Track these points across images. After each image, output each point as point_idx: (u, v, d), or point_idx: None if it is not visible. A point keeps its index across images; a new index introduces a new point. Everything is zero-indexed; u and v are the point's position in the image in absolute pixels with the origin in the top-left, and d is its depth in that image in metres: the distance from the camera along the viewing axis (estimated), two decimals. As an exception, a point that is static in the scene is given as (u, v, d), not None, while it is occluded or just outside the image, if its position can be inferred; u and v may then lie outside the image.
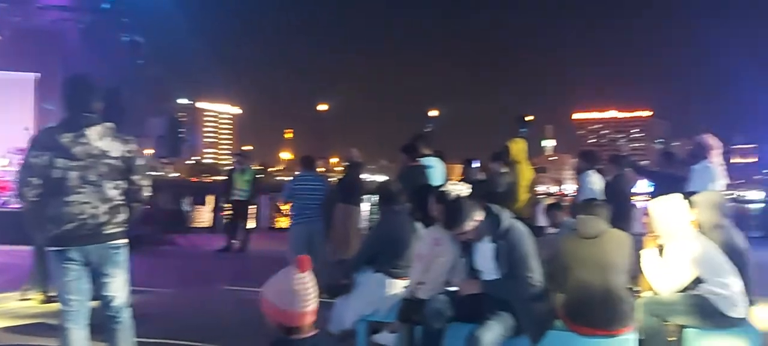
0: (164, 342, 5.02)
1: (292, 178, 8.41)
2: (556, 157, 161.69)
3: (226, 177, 11.55)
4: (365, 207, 9.98)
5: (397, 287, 4.69)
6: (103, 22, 12.15)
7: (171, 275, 8.42)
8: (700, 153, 6.22)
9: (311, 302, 2.34)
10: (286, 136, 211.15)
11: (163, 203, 15.96)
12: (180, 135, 12.36)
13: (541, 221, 7.33)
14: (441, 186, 5.12)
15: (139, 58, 11.56)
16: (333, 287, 4.93)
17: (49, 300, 6.15)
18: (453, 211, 4.06)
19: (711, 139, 6.24)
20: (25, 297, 6.28)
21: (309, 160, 7.97)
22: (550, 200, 9.16)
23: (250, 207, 11.45)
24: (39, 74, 13.79)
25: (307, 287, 2.34)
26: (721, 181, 6.13)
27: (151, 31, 12.31)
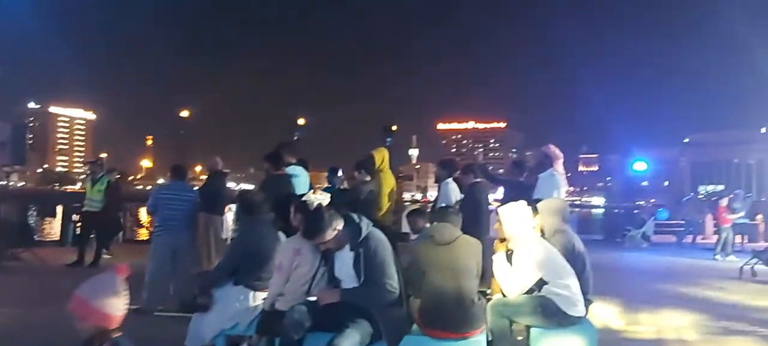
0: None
1: (157, 187, 8.02)
2: (419, 166, 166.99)
3: (80, 186, 10.82)
4: (229, 217, 9.74)
5: (258, 299, 4.63)
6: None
7: (19, 293, 7.81)
8: (546, 162, 6.66)
9: (124, 308, 2.56)
10: (147, 143, 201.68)
11: (7, 214, 14.66)
12: (26, 141, 11.42)
13: (406, 227, 7.52)
14: (303, 195, 5.12)
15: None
16: (187, 303, 4.76)
17: None
18: (313, 220, 4.08)
19: (555, 150, 6.71)
20: None
21: (179, 169, 7.63)
22: (414, 207, 9.43)
23: (104, 218, 10.78)
24: None
25: (124, 292, 2.57)
26: (564, 188, 6.61)
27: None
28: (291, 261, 4.34)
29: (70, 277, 9.45)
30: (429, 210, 7.98)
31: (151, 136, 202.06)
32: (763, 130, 34.46)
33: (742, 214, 14.55)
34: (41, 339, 5.58)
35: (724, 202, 14.33)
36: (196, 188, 8.38)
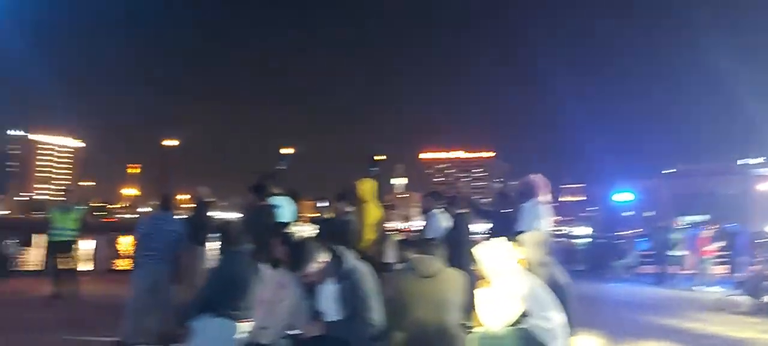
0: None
1: (142, 216, 7.94)
2: (407, 195, 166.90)
3: (47, 215, 10.66)
4: (212, 246, 9.69)
5: (238, 330, 4.58)
6: None
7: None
8: (529, 192, 6.70)
9: None
10: (131, 171, 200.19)
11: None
12: (6, 169, 11.30)
13: (390, 257, 7.51)
14: (288, 226, 5.11)
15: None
16: (166, 335, 4.71)
17: None
18: (298, 253, 4.08)
19: (539, 180, 6.76)
20: None
21: (166, 198, 7.55)
22: (399, 237, 9.42)
23: (74, 247, 10.57)
24: None
25: None
26: (548, 219, 6.62)
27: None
28: (274, 294, 4.32)
29: (52, 309, 9.33)
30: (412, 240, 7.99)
31: (137, 165, 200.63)
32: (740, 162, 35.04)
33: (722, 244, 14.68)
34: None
35: (706, 232, 14.46)
36: (182, 217, 8.32)
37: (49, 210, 10.51)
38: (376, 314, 4.02)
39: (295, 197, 7.60)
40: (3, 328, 7.51)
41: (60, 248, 10.32)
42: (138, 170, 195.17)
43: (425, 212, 7.76)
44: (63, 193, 11.41)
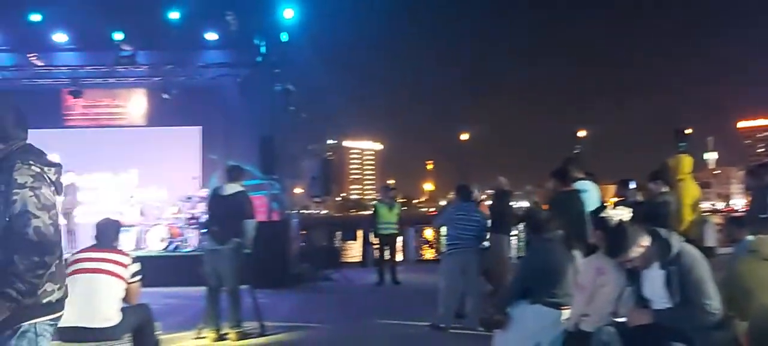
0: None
1: (448, 206, 8.37)
2: (719, 171, 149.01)
3: (372, 211, 11.85)
4: (513, 235, 9.78)
5: (556, 317, 4.51)
6: (257, 75, 13.04)
7: (327, 311, 8.70)
8: None
9: None
10: (428, 167, 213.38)
11: (318, 240, 16.67)
12: (331, 174, 12.89)
13: (711, 240, 6.74)
14: (598, 211, 4.88)
15: (291, 104, 12.25)
16: (487, 321, 4.83)
17: (220, 338, 6.59)
18: (616, 237, 3.84)
19: None
20: (200, 336, 6.74)
21: (465, 189, 7.75)
22: (717, 219, 8.42)
23: (396, 240, 11.64)
24: (201, 127, 15.09)
25: None
26: None
27: (300, 78, 13.02)
28: (593, 280, 4.15)
29: (374, 295, 10.38)
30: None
31: (431, 161, 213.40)
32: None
33: None
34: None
35: None
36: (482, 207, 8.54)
37: (376, 206, 11.65)
38: (714, 301, 3.58)
39: (595, 180, 7.26)
40: (330, 313, 8.47)
41: (386, 241, 11.41)
42: (431, 166, 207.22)
43: (750, 188, 6.77)
44: (383, 190, 12.53)
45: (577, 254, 4.82)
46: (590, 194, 6.63)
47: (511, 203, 9.18)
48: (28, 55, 13.78)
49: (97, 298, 4.20)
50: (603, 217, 4.26)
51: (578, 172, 6.84)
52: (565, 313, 4.44)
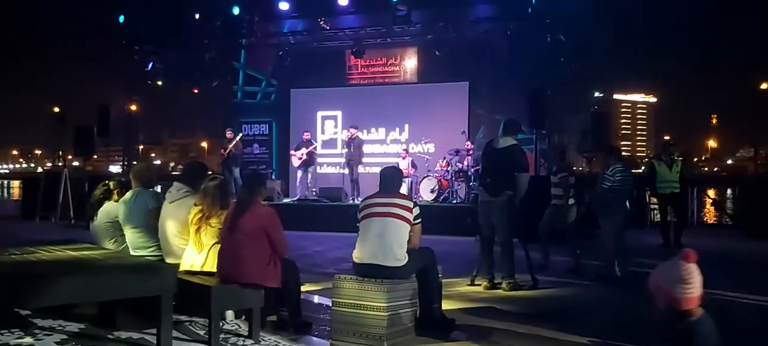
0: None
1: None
2: None
3: (648, 170, 11.03)
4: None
5: None
6: (527, 27, 12.85)
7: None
8: None
9: (694, 290, 2.73)
10: (712, 122, 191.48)
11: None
12: (603, 130, 12.20)
13: None
14: None
15: (561, 56, 11.85)
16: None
17: (493, 286, 6.74)
18: None
19: None
20: (474, 283, 6.96)
21: None
22: None
23: (679, 200, 10.73)
24: (468, 82, 15.40)
25: (691, 276, 2.73)
26: None
27: (570, 28, 12.48)
28: None
29: (659, 259, 9.54)
30: None
31: (715, 116, 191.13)
32: None
33: None
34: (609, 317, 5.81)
35: None
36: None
37: (653, 164, 10.89)
38: None
39: None
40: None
41: (668, 201, 10.63)
42: (715, 121, 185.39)
43: None
44: (664, 148, 11.53)
45: None
46: None
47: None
48: (318, 20, 15.38)
49: (389, 239, 4.59)
50: None
51: None
52: None
